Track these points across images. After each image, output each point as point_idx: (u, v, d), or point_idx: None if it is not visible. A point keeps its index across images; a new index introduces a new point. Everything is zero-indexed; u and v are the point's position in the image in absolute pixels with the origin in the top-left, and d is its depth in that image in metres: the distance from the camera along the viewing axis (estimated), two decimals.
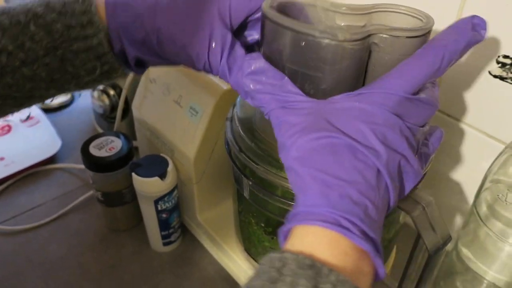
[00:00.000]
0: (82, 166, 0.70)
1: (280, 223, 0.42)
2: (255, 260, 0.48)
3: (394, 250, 0.52)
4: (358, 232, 0.25)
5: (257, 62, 0.31)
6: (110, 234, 0.62)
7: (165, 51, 0.34)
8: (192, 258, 0.59)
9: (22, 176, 0.70)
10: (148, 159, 0.54)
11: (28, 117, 0.79)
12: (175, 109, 0.53)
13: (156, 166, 0.52)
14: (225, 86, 0.49)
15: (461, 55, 0.30)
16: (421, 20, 0.33)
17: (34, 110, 0.80)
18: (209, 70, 0.34)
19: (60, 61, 0.34)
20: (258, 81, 0.31)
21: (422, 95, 0.29)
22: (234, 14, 0.34)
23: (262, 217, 0.43)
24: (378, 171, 0.27)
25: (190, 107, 0.51)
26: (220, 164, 0.54)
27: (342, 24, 0.33)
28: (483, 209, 0.45)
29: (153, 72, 0.56)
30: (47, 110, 0.82)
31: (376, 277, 0.26)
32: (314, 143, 0.27)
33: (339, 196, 0.25)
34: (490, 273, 0.49)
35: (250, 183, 0.40)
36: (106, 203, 0.59)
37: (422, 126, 0.30)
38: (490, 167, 0.45)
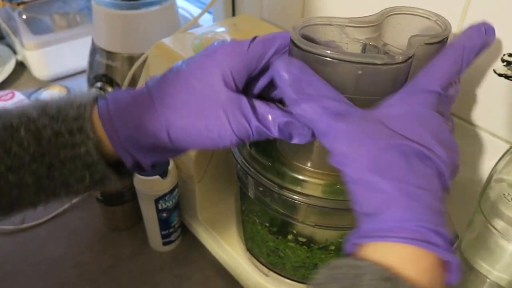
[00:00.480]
0: None
1: (285, 223, 0.41)
2: (258, 260, 0.48)
3: None
4: (445, 244, 0.25)
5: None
6: (109, 233, 0.61)
7: (181, 145, 0.32)
8: (192, 258, 0.58)
9: None
10: None
11: None
12: None
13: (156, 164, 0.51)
14: None
15: (476, 57, 0.31)
16: (428, 19, 0.33)
17: None
18: (238, 142, 0.32)
19: (48, 169, 0.32)
20: (300, 91, 0.28)
21: (450, 91, 0.30)
22: (237, 77, 0.31)
23: (267, 217, 0.43)
24: (442, 173, 0.26)
25: None
26: (221, 162, 0.53)
27: (362, 38, 0.33)
28: (488, 208, 0.45)
29: (154, 69, 0.56)
30: None
31: (447, 283, 0.26)
32: (386, 153, 0.26)
33: (425, 208, 0.25)
34: (494, 273, 0.48)
35: (254, 181, 0.39)
36: (105, 202, 0.58)
37: None
38: (494, 166, 0.44)
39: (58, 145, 0.32)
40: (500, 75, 0.45)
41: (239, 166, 0.41)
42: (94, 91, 0.35)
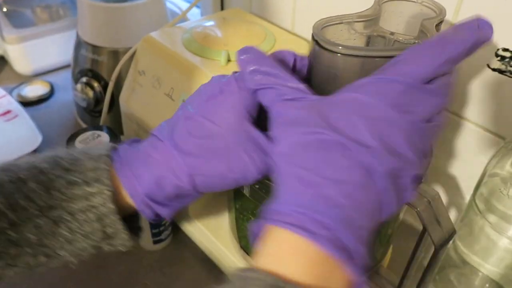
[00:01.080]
0: None
1: None
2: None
3: (391, 247, 0.52)
4: (327, 235, 0.23)
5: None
6: None
7: (203, 190, 0.33)
8: (183, 256, 0.57)
9: None
10: None
11: (6, 112, 0.75)
12: (167, 102, 0.51)
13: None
14: None
15: (467, 54, 0.28)
16: (414, 2, 0.34)
17: (12, 103, 0.76)
18: (261, 178, 0.31)
19: (54, 224, 0.30)
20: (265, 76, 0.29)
21: (430, 85, 0.26)
22: (252, 111, 0.31)
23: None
24: (370, 170, 0.24)
25: (183, 100, 0.49)
26: None
27: (368, 31, 0.34)
28: (482, 202, 0.45)
29: (142, 64, 0.54)
30: (26, 104, 0.79)
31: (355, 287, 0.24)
32: (301, 139, 0.25)
33: (312, 196, 0.24)
34: (486, 266, 0.49)
35: None
36: None
37: (429, 120, 0.27)
38: (489, 161, 0.44)
39: (71, 196, 0.31)
40: (494, 69, 0.45)
41: None
42: (109, 144, 0.34)
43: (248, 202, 0.43)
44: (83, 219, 0.31)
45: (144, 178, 0.32)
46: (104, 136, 0.54)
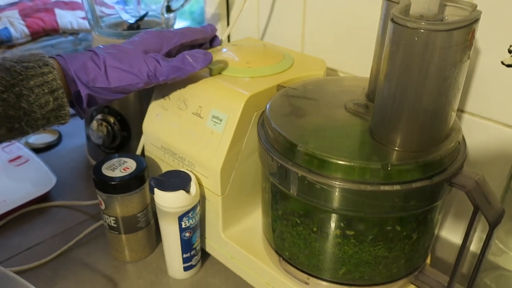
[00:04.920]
0: (82, 202, 0.66)
1: (329, 218, 0.40)
2: (297, 268, 0.46)
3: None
4: None
5: None
6: (121, 266, 0.57)
7: (112, 80, 0.46)
8: (214, 283, 0.55)
9: (15, 216, 0.65)
10: (168, 175, 0.51)
11: (16, 157, 0.74)
12: (195, 121, 0.51)
13: (178, 180, 0.50)
14: (248, 92, 0.48)
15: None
16: None
17: (22, 149, 0.75)
18: (150, 76, 0.48)
19: (17, 97, 0.39)
20: None
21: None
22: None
23: (311, 215, 0.41)
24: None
25: (213, 116, 0.49)
26: (244, 175, 0.52)
27: None
28: None
29: (167, 89, 0.55)
30: (35, 150, 0.78)
31: None
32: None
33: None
34: None
35: (300, 174, 0.38)
36: (118, 230, 0.55)
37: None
38: None
39: (28, 75, 0.40)
40: (509, 65, 0.48)
41: (278, 164, 0.40)
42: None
43: (295, 204, 0.42)
44: (39, 92, 0.41)
45: (75, 63, 0.45)
46: (131, 162, 0.54)
